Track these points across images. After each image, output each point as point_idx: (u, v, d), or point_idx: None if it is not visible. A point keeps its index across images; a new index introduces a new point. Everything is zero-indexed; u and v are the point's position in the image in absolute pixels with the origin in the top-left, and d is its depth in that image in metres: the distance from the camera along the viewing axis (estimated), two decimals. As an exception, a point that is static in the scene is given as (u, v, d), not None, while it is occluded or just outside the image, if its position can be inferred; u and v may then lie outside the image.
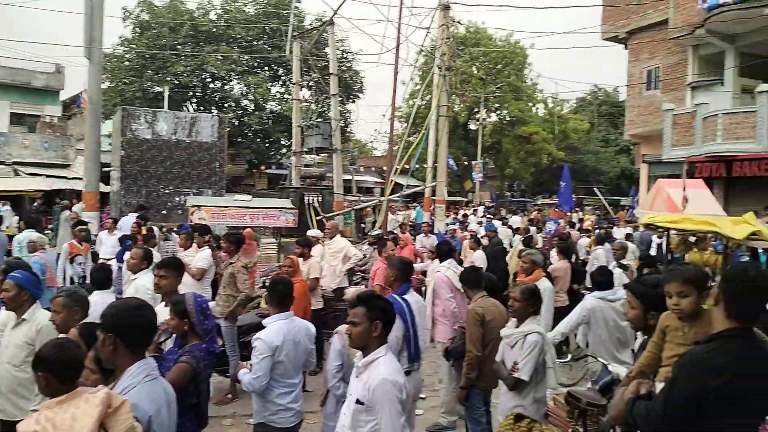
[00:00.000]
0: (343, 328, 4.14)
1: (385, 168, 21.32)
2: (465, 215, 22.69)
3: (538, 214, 25.90)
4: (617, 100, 40.94)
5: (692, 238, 7.56)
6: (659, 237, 11.30)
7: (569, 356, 5.30)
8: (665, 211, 12.19)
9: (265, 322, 3.97)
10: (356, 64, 33.28)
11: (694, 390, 2.22)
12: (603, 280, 5.36)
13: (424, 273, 9.91)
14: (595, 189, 32.28)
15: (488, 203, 35.25)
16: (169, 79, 27.98)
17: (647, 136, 20.66)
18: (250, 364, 3.83)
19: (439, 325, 6.43)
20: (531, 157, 36.44)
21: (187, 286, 7.60)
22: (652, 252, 11.55)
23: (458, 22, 15.87)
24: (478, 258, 10.19)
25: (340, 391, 3.99)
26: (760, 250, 7.02)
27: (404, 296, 4.74)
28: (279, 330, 3.85)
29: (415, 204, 24.58)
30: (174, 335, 3.66)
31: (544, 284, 6.47)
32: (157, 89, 28.57)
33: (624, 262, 8.79)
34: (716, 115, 15.82)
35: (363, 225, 21.11)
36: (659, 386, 2.52)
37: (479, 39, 36.18)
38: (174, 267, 4.59)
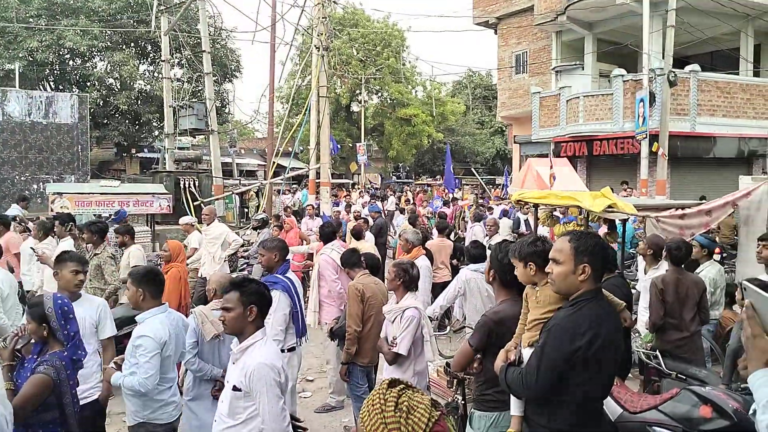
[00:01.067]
0: (199, 309, 4.21)
1: (267, 150, 20.82)
2: (347, 195, 22.79)
3: (423, 195, 26.64)
4: (490, 84, 42.89)
5: (557, 213, 8.09)
6: (524, 213, 12.03)
7: (448, 328, 5.49)
8: (535, 188, 13.02)
9: (140, 318, 3.69)
10: (231, 42, 32.02)
11: (564, 351, 2.37)
12: (476, 253, 5.59)
13: (310, 256, 9.86)
14: (472, 169, 33.79)
15: (375, 185, 35.70)
16: (21, 55, 25.28)
17: (518, 118, 21.85)
18: (115, 364, 3.56)
19: (326, 307, 6.43)
20: (412, 139, 37.23)
21: (48, 281, 6.99)
22: (522, 228, 12.27)
23: (334, 2, 15.69)
24: (368, 238, 10.29)
25: (195, 367, 4.00)
26: (617, 222, 7.66)
27: (286, 275, 4.91)
28: (163, 324, 3.62)
29: (296, 187, 24.25)
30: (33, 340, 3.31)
31: (421, 261, 6.63)
32: (8, 66, 25.74)
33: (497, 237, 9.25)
34: (578, 97, 17.04)
35: (246, 209, 20.56)
36: (525, 352, 2.66)
37: (357, 20, 36.18)
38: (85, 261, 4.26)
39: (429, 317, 5.58)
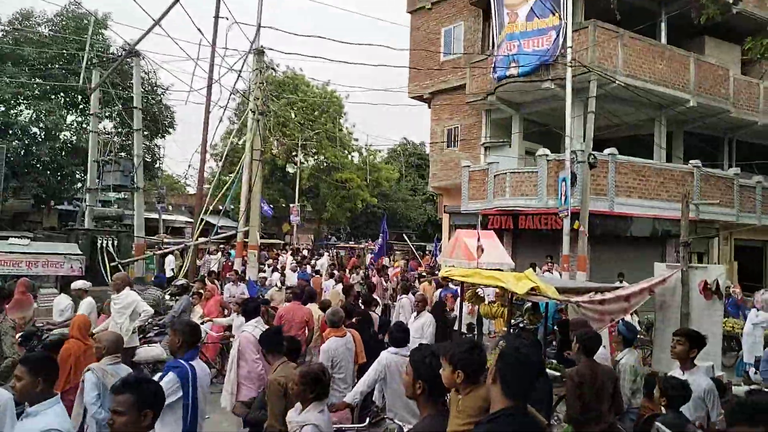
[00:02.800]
0: (95, 365, 4.39)
1: (195, 209, 20.23)
2: (276, 257, 22.37)
3: (357, 260, 26.53)
4: (424, 153, 44.14)
5: (480, 291, 8.14)
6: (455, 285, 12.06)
7: (367, 420, 5.26)
8: (464, 259, 13.17)
9: (34, 410, 3.17)
10: (167, 99, 31.60)
11: None
12: (399, 336, 5.46)
13: (229, 327, 9.41)
14: (404, 235, 34.15)
15: (305, 246, 35.34)
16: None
17: (448, 189, 22.38)
18: None
19: (243, 389, 6.03)
20: (347, 202, 37.53)
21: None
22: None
23: (273, 68, 15.84)
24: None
25: (102, 416, 4.25)
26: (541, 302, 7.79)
27: (191, 362, 4.24)
28: (61, 415, 3.18)
29: (224, 247, 23.54)
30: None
31: (344, 341, 6.33)
32: None
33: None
34: (505, 173, 17.66)
35: (173, 270, 19.67)
36: None
37: (297, 84, 36.75)
38: None
39: (350, 404, 5.35)
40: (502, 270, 10.85)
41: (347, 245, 35.77)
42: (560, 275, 14.90)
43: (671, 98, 18.08)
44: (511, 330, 9.54)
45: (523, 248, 17.94)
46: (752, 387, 6.30)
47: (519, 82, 17.36)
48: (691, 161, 18.50)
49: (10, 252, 10.67)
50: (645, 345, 10.24)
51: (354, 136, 40.21)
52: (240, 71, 14.24)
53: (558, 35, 16.33)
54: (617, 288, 7.24)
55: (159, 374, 4.21)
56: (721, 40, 20.10)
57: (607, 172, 16.66)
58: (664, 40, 18.61)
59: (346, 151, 39.04)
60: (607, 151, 16.77)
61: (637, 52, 17.29)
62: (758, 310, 9.35)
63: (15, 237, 12.14)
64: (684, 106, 18.46)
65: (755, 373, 8.06)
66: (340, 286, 12.52)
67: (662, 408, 4.11)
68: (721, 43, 20.14)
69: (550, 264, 15.68)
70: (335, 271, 16.71)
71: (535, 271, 15.29)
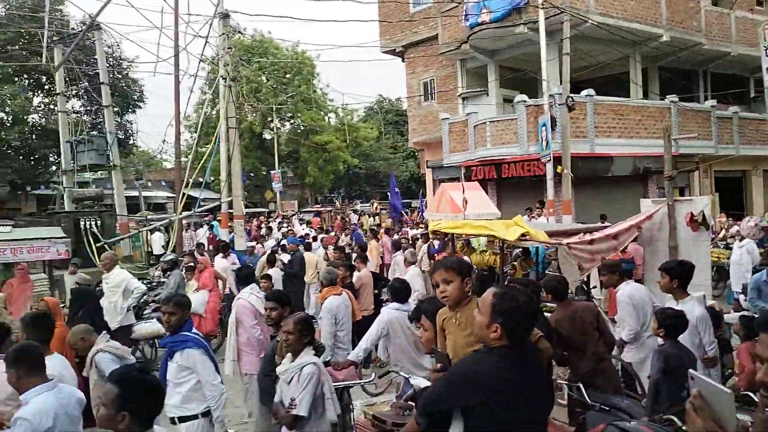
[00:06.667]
0: None
1: (175, 183, 19.93)
2: (269, 228, 22.23)
3: (340, 221, 26.47)
4: (402, 109, 43.77)
5: (475, 242, 8.22)
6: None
7: (372, 374, 5.36)
8: (449, 212, 13.20)
9: (24, 397, 3.14)
10: (134, 72, 30.76)
11: (456, 400, 2.36)
12: (399, 289, 5.50)
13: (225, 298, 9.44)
14: (388, 192, 34.11)
15: (290, 212, 35.22)
16: None
17: (429, 143, 22.27)
18: None
19: (245, 356, 6.11)
20: (328, 165, 37.35)
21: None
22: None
23: (240, 32, 15.42)
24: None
25: None
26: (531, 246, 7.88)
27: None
28: (48, 407, 3.09)
29: (207, 220, 23.21)
30: None
31: (341, 300, 6.36)
32: None
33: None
34: (484, 122, 17.58)
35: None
36: None
37: (266, 48, 35.97)
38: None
39: (355, 362, 5.43)
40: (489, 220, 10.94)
41: (332, 208, 35.72)
42: (547, 220, 15.02)
43: (645, 34, 17.97)
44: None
45: (508, 196, 18.01)
46: (743, 313, 6.47)
47: (492, 29, 17.11)
48: (667, 96, 18.55)
49: (-7, 240, 10.44)
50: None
51: (329, 97, 39.71)
52: (207, 37, 13.80)
53: (528, -23, 16.04)
54: (604, 228, 7.34)
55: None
56: (690, -29, 19.89)
57: (586, 113, 16.67)
58: (633, -25, 18.37)
59: (322, 113, 38.58)
60: (584, 92, 16.74)
61: (608, -11, 17.08)
62: (744, 238, 9.47)
63: (-5, 225, 11.89)
64: (657, 41, 18.39)
65: (745, 300, 8.21)
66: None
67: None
68: (690, -25, 19.94)
69: (539, 209, 15.78)
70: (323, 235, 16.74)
71: (530, 216, 15.56)
